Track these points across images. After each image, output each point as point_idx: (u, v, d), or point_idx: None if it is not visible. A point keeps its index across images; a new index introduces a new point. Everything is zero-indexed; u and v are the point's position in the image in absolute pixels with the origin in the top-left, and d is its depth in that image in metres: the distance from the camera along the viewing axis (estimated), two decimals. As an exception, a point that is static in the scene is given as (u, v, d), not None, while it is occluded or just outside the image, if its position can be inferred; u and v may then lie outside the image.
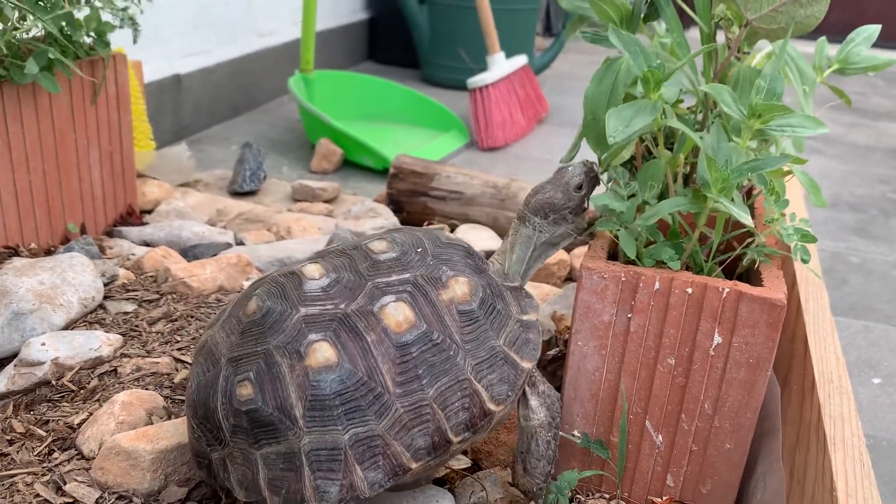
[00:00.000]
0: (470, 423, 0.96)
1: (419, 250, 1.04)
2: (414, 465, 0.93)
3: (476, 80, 2.99)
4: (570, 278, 1.88)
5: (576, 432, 1.11)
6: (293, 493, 0.90)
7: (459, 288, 1.00)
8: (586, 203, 1.12)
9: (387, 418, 0.92)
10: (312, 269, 0.99)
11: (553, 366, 1.45)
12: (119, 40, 1.92)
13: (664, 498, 1.11)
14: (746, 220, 0.95)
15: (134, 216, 2.00)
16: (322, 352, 0.92)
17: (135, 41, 1.78)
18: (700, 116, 1.26)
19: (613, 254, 1.12)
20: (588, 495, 1.13)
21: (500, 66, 3.05)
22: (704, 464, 1.08)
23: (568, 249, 1.98)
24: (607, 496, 1.13)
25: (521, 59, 3.15)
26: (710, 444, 1.06)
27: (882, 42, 1.26)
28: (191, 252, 1.81)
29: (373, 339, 0.93)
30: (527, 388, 1.06)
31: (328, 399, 0.91)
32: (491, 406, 0.98)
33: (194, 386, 0.99)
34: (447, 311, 0.98)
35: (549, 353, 1.48)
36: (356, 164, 2.66)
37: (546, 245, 1.14)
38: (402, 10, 3.77)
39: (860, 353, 1.83)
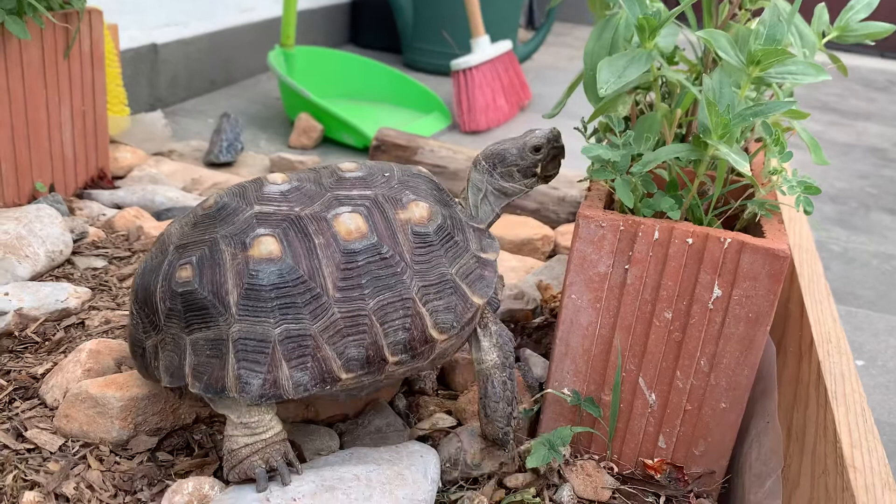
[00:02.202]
0: (409, 344, 0.95)
1: (386, 175, 1.04)
2: (344, 376, 0.91)
3: (460, 62, 2.94)
4: (553, 253, 1.84)
5: (566, 390, 1.07)
6: (215, 380, 0.89)
7: (418, 211, 0.99)
8: (538, 168, 1.09)
9: (322, 320, 0.91)
10: (276, 176, 1.00)
11: (538, 333, 1.41)
12: (95, 2, 1.86)
13: (656, 460, 1.07)
14: (744, 167, 0.92)
15: (105, 180, 1.93)
16: (266, 245, 0.91)
17: None
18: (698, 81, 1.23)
19: (610, 207, 1.08)
20: (576, 456, 1.09)
21: (485, 49, 3.02)
22: (698, 424, 1.04)
23: (553, 226, 1.95)
24: (597, 457, 1.09)
25: (505, 45, 3.12)
26: (706, 404, 1.03)
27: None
28: (164, 215, 1.74)
29: (320, 242, 0.92)
30: (478, 329, 1.04)
31: (264, 290, 0.89)
32: (433, 332, 0.96)
33: (140, 271, 0.99)
34: (402, 230, 0.97)
35: (534, 320, 1.44)
36: (336, 141, 2.61)
37: (495, 195, 1.10)
38: (386, -7, 3.72)
39: (843, 335, 1.81)
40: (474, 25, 3.03)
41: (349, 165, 1.04)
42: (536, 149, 1.07)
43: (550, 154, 1.08)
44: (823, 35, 1.27)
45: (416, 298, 0.95)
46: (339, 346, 0.91)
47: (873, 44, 1.23)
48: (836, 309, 1.91)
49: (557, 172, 1.10)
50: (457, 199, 1.11)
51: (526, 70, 3.89)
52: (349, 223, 0.94)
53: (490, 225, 1.11)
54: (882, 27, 1.24)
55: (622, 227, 0.98)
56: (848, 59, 1.26)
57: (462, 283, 0.99)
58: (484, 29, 3.04)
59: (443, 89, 3.27)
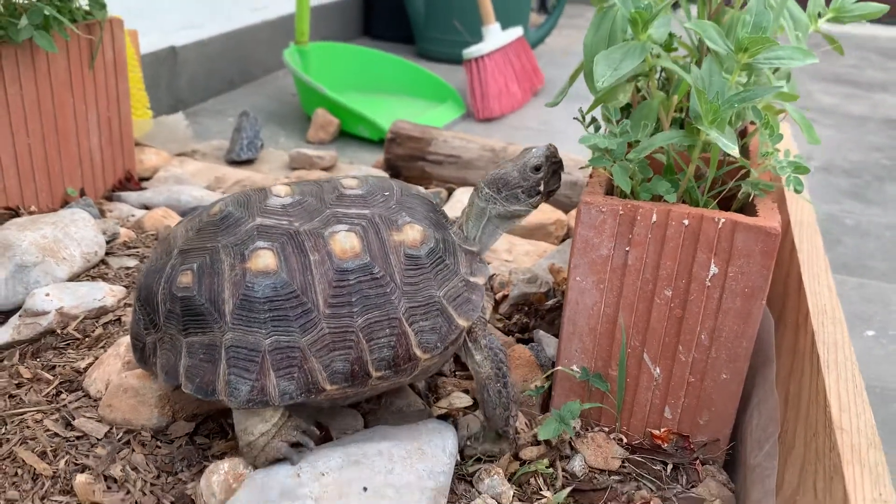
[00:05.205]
0: (393, 361, 0.99)
1: (386, 194, 1.07)
2: (328, 387, 0.96)
3: (472, 51, 2.99)
4: (566, 237, 1.89)
5: (574, 367, 1.13)
6: (206, 383, 0.95)
7: (412, 234, 1.02)
8: (542, 186, 1.11)
9: (311, 334, 0.96)
10: (280, 189, 1.05)
11: (550, 315, 1.47)
12: (115, 10, 1.93)
13: (662, 430, 1.13)
14: (733, 150, 0.96)
15: (132, 182, 2.01)
16: (264, 258, 0.96)
17: None
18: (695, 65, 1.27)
19: (612, 192, 1.14)
20: (587, 429, 1.15)
21: (496, 36, 3.06)
22: (701, 395, 1.10)
23: (565, 210, 2.00)
24: (606, 429, 1.15)
25: (516, 31, 3.16)
26: (707, 375, 1.08)
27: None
28: (190, 215, 1.82)
29: (315, 259, 0.97)
30: (470, 345, 1.08)
31: (258, 302, 0.95)
32: (417, 351, 1.00)
33: (145, 270, 1.05)
34: (394, 251, 1.00)
35: (547, 302, 1.50)
36: (352, 134, 2.67)
37: (500, 219, 1.13)
38: (397, -15, 3.77)
39: (854, 307, 1.85)
40: (485, 13, 3.08)
41: (350, 182, 1.07)
42: (537, 168, 1.10)
43: (550, 170, 1.11)
44: (820, 16, 1.31)
45: (402, 318, 0.99)
46: (326, 359, 0.96)
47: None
48: (845, 280, 1.95)
49: (559, 186, 1.14)
50: (457, 221, 1.14)
51: (539, 54, 3.93)
52: (344, 242, 0.98)
53: (488, 248, 1.15)
54: (876, 7, 1.27)
55: (621, 212, 1.04)
56: (864, 28, 1.29)
57: (449, 306, 1.02)
58: (494, 17, 3.09)
59: (456, 77, 3.32)
